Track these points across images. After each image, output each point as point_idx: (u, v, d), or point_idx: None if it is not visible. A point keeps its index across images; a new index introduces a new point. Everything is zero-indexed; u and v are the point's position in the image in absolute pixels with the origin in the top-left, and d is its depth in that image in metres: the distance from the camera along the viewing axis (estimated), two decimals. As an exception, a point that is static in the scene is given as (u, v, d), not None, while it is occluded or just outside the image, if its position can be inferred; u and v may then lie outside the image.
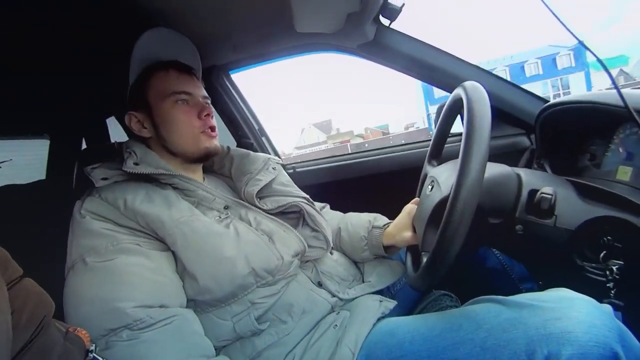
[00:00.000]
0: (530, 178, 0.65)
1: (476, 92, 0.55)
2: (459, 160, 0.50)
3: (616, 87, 0.55)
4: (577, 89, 19.89)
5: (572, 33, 0.52)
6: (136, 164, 0.68)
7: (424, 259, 0.60)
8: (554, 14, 0.53)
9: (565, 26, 0.51)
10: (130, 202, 0.63)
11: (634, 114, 0.52)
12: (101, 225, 0.61)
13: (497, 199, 0.63)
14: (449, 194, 0.50)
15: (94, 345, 0.46)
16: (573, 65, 20.70)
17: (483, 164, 0.48)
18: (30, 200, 1.16)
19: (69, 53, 0.85)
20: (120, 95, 0.78)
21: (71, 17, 0.72)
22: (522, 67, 22.41)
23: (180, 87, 0.73)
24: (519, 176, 0.65)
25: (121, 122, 0.78)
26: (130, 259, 0.58)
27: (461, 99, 0.57)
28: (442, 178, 0.66)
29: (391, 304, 0.72)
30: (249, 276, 0.63)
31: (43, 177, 1.35)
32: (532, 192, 0.62)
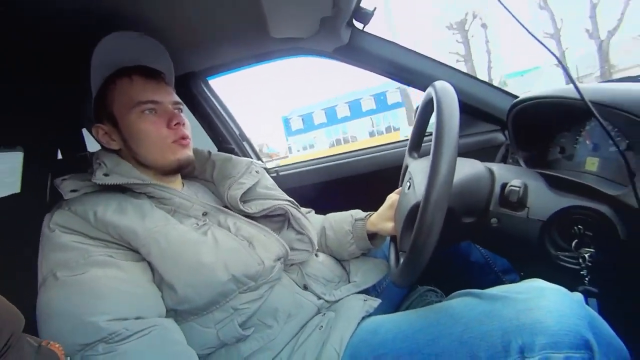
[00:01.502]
0: (502, 172, 0.67)
1: (445, 93, 0.56)
2: (429, 163, 0.52)
3: (573, 82, 0.58)
4: (403, 121, 24.04)
5: (546, 48, 0.54)
6: (106, 174, 0.66)
7: (401, 259, 0.61)
8: (527, 30, 0.55)
9: (539, 41, 0.54)
10: (101, 213, 0.61)
11: (590, 105, 0.54)
12: (71, 238, 0.59)
13: (470, 200, 0.65)
14: (421, 200, 0.52)
15: (68, 358, 0.44)
16: (400, 101, 24.71)
17: (451, 172, 0.50)
18: (3, 214, 1.12)
19: (41, 61, 0.82)
20: (87, 107, 0.75)
21: (41, 23, 0.69)
22: (360, 103, 26.10)
23: (146, 95, 0.69)
24: (491, 171, 0.67)
25: (91, 133, 0.75)
26: (103, 271, 0.56)
27: (432, 99, 0.59)
28: (417, 179, 0.67)
29: (375, 302, 0.72)
30: (229, 283, 0.62)
31: (18, 190, 1.31)
32: (504, 186, 0.64)
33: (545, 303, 0.47)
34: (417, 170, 0.71)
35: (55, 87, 0.97)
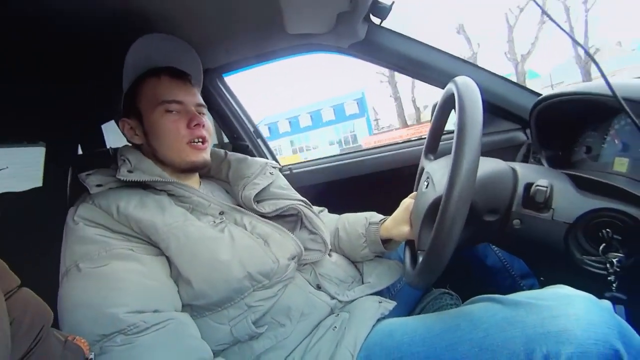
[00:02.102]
0: (526, 172, 0.64)
1: (467, 88, 0.54)
2: (451, 158, 0.50)
3: (604, 77, 0.55)
4: (361, 131, 25.25)
5: (580, 45, 0.52)
6: (130, 171, 0.68)
7: (420, 258, 0.59)
8: (561, 28, 0.52)
9: (573, 39, 0.51)
10: (123, 208, 0.63)
11: (622, 102, 0.51)
12: (94, 231, 0.61)
13: (492, 198, 0.63)
14: (443, 193, 0.50)
15: (93, 353, 0.45)
16: (358, 112, 25.92)
17: (474, 163, 0.48)
18: (26, 208, 1.15)
19: (65, 59, 0.85)
20: (116, 102, 0.78)
21: (67, 23, 0.71)
22: (320, 114, 27.17)
23: (171, 95, 0.71)
24: (514, 171, 0.64)
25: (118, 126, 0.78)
26: (124, 264, 0.58)
27: (453, 95, 0.57)
28: (436, 176, 0.66)
29: (390, 304, 0.71)
30: (244, 280, 0.62)
31: (39, 184, 1.35)
32: (528, 186, 0.62)
33: (572, 311, 0.45)
34: (436, 169, 0.70)
35: (77, 84, 0.99)
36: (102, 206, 0.63)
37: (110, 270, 0.56)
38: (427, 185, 0.68)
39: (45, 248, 0.73)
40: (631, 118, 0.51)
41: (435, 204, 0.59)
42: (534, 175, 0.64)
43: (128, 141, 0.76)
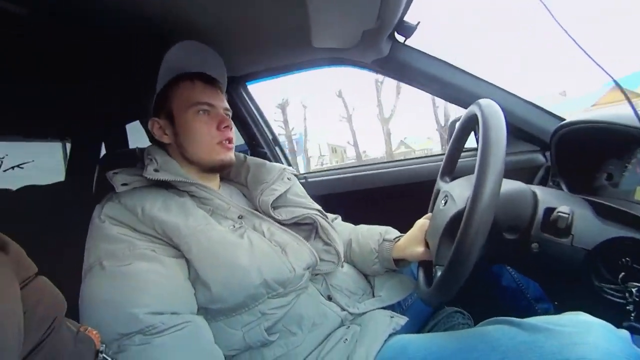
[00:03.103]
0: (546, 196, 0.64)
1: (491, 109, 0.55)
2: (474, 174, 0.50)
3: (633, 107, 0.55)
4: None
5: (603, 69, 0.52)
6: (156, 170, 0.70)
7: (438, 273, 0.59)
8: (585, 51, 0.53)
9: (596, 63, 0.52)
10: (148, 209, 0.64)
11: None
12: (119, 230, 0.62)
13: (513, 215, 0.63)
14: (465, 207, 0.50)
15: (104, 345, 0.46)
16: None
17: (499, 177, 0.48)
18: (48, 201, 1.19)
19: (96, 61, 0.88)
20: (146, 102, 0.81)
21: (100, 27, 0.74)
22: None
23: (204, 98, 0.75)
24: (534, 194, 0.64)
25: (144, 126, 0.81)
26: (146, 265, 0.59)
27: (475, 116, 0.58)
28: (456, 192, 0.66)
29: (402, 320, 0.70)
30: (260, 287, 0.63)
31: (62, 179, 1.39)
32: (548, 211, 0.62)
33: (591, 339, 0.45)
34: (454, 186, 0.70)
35: (106, 86, 1.03)
36: (128, 206, 0.65)
37: (133, 270, 0.58)
38: (446, 203, 0.68)
39: (65, 242, 0.75)
40: None
41: (456, 218, 0.59)
42: (554, 200, 0.64)
43: (152, 141, 0.79)
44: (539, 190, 0.66)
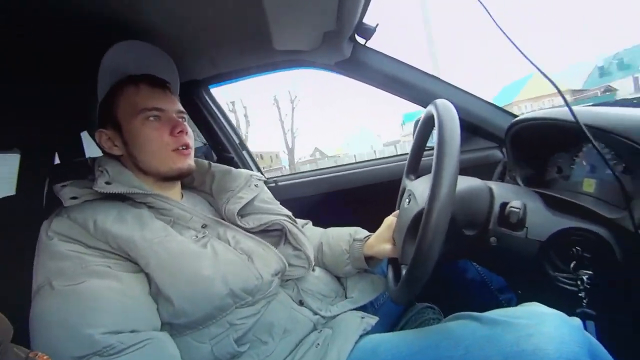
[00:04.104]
0: (501, 191, 0.67)
1: (446, 109, 0.57)
2: (432, 173, 0.52)
3: (568, 106, 0.59)
4: None
5: (528, 59, 0.55)
6: (108, 183, 0.65)
7: (404, 271, 0.60)
8: (514, 44, 0.56)
9: (522, 52, 0.55)
10: (100, 222, 0.60)
11: (585, 130, 0.55)
12: (69, 247, 0.58)
13: (471, 212, 0.65)
14: (424, 206, 0.51)
15: None
16: None
17: (454, 177, 0.50)
18: None
19: (42, 63, 0.82)
20: (92, 110, 0.75)
21: (45, 27, 0.69)
22: None
23: (151, 103, 0.70)
24: (490, 189, 0.67)
25: (93, 138, 0.75)
26: (100, 282, 0.55)
27: (433, 116, 0.59)
28: (418, 191, 0.68)
29: (373, 320, 0.71)
30: (227, 297, 0.61)
31: (12, 192, 1.29)
32: (503, 205, 0.65)
33: (545, 329, 0.47)
34: (417, 185, 0.72)
35: (55, 89, 0.97)
36: (78, 220, 0.61)
37: (86, 288, 0.54)
38: (409, 202, 0.69)
39: (16, 261, 0.70)
40: (593, 145, 0.55)
41: (418, 218, 0.60)
42: (509, 194, 0.66)
43: (105, 153, 0.73)
44: (494, 185, 0.68)
